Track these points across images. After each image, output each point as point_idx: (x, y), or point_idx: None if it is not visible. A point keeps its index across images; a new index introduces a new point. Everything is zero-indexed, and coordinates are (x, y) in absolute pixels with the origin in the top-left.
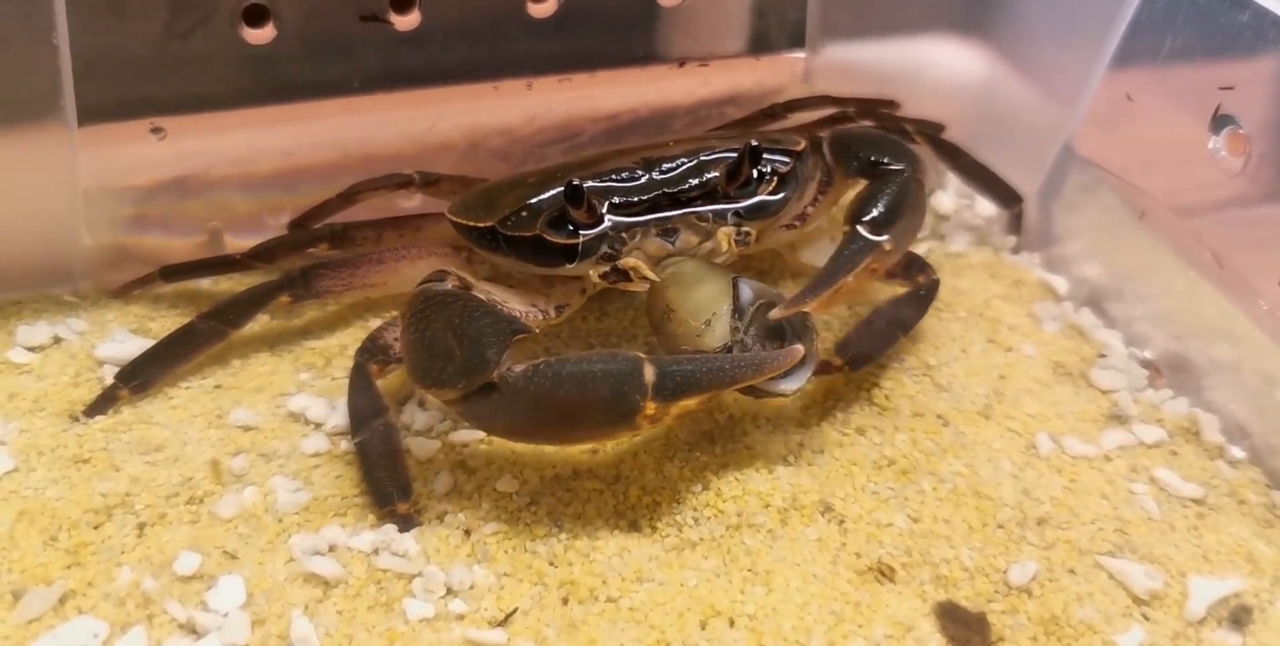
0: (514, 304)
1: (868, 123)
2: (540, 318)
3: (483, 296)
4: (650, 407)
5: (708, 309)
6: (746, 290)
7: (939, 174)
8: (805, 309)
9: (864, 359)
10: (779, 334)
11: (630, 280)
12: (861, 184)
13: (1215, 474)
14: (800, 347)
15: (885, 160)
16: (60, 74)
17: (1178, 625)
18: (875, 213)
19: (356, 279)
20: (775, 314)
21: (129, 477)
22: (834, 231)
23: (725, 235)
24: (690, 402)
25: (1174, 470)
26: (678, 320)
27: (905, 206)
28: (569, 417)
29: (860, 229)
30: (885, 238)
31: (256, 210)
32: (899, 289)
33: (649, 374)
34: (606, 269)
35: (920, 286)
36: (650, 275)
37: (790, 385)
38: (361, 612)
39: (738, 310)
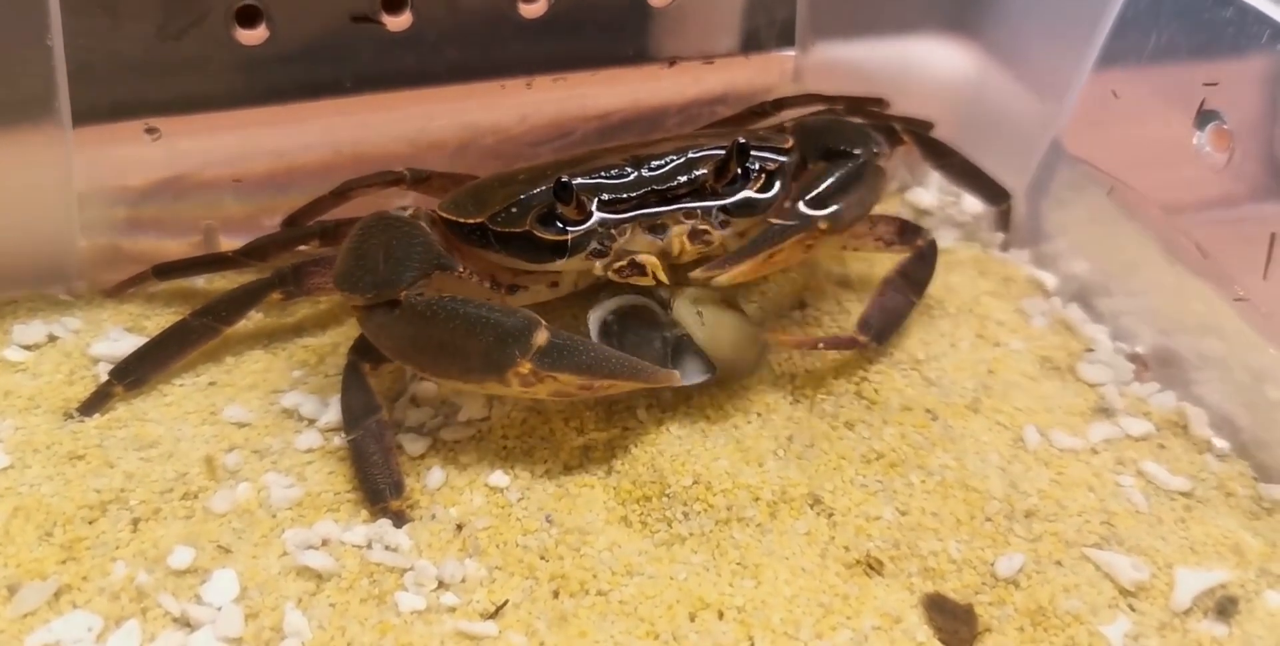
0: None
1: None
2: (487, 286)
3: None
4: (525, 367)
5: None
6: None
7: (922, 172)
8: (723, 278)
9: (887, 332)
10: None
11: (645, 274)
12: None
13: (1203, 467)
14: (676, 373)
15: (843, 147)
16: (55, 75)
17: (1164, 616)
18: (815, 192)
19: None
20: (696, 274)
21: (123, 474)
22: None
23: (678, 235)
24: (566, 379)
25: (1161, 463)
26: (692, 298)
27: (850, 188)
28: (448, 351)
29: (799, 206)
30: (821, 215)
31: (250, 210)
32: (900, 258)
33: (539, 337)
34: (623, 263)
35: (920, 249)
36: (662, 277)
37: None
38: (354, 605)
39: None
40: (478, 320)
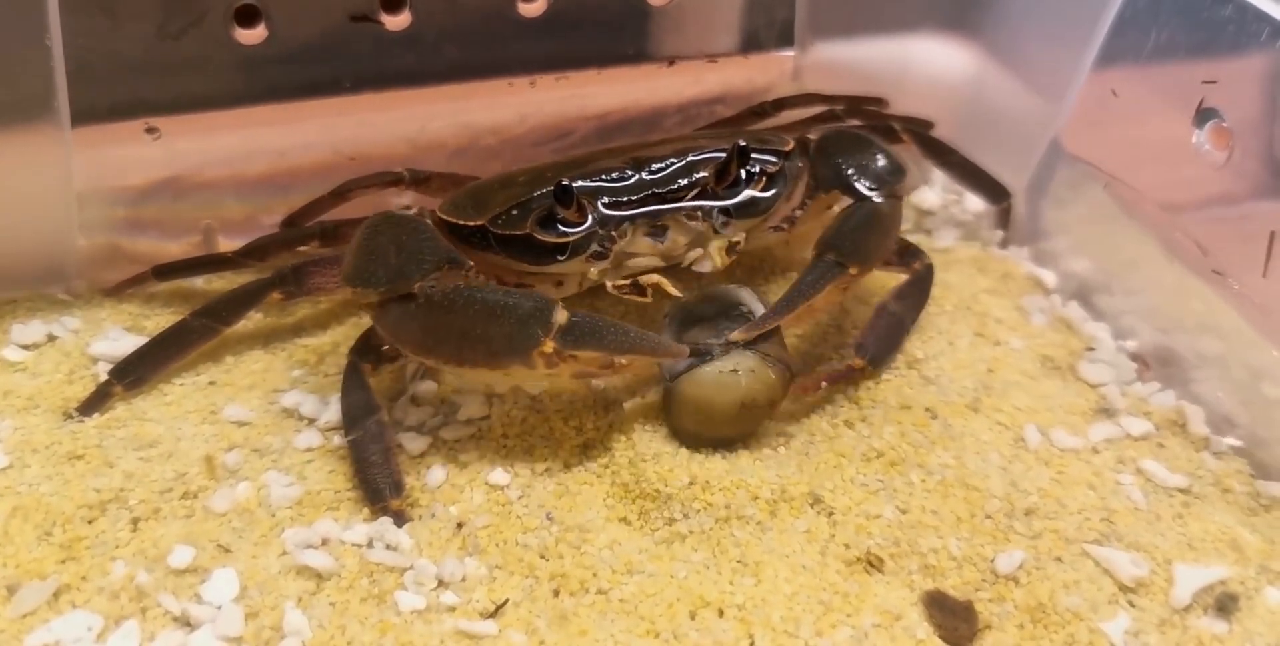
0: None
1: (856, 122)
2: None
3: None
4: (548, 346)
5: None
6: None
7: (925, 171)
8: (762, 331)
9: (883, 357)
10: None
11: (645, 295)
12: (842, 200)
13: (1201, 465)
14: (686, 347)
15: (861, 179)
16: (54, 75)
17: (1163, 612)
18: (844, 242)
19: None
20: (735, 336)
21: (123, 473)
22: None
23: (718, 249)
24: (588, 357)
25: (1160, 461)
26: (753, 362)
27: (874, 234)
28: (471, 339)
29: (828, 256)
30: (851, 266)
31: (249, 210)
32: (896, 277)
33: (559, 316)
34: (625, 283)
35: (916, 273)
36: (673, 291)
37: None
38: (354, 605)
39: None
40: (496, 304)
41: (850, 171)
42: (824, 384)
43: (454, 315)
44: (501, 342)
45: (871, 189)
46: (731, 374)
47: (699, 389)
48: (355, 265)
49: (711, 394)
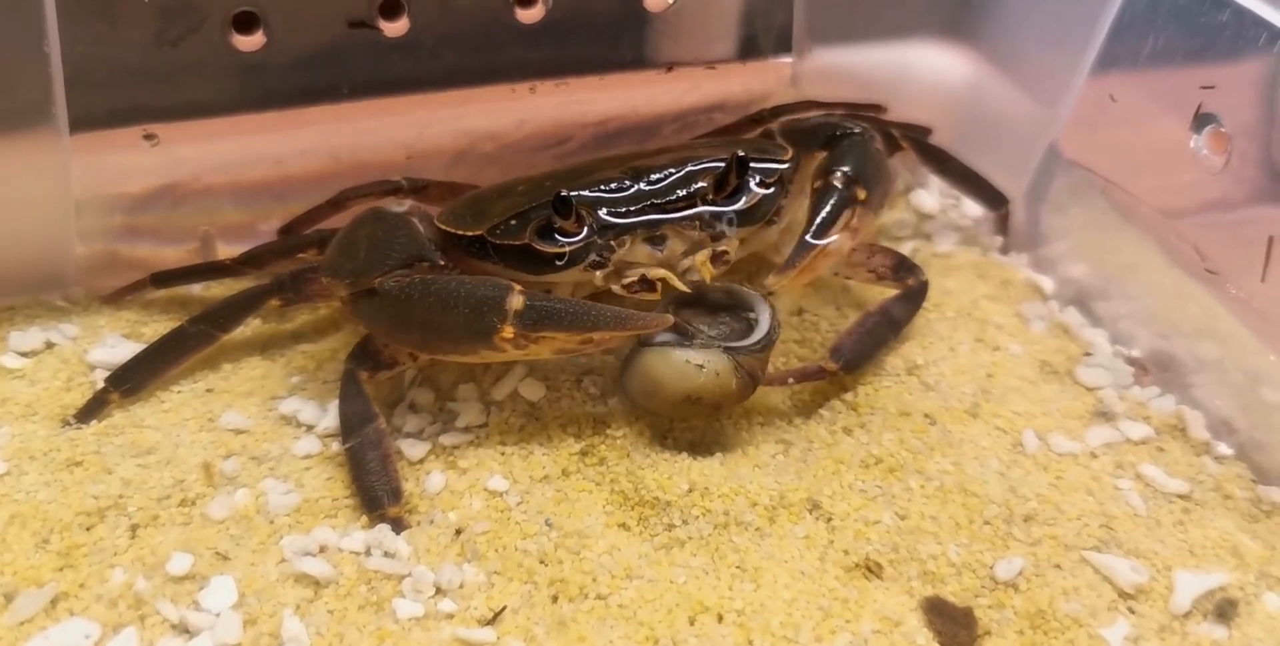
0: None
1: None
2: None
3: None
4: (508, 331)
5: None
6: None
7: (923, 173)
8: (797, 275)
9: (857, 362)
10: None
11: (655, 291)
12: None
13: (1201, 469)
14: (669, 317)
15: (838, 132)
16: (52, 82)
17: (1163, 618)
18: (844, 166)
19: None
20: (771, 281)
21: (121, 480)
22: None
23: (703, 261)
24: (558, 336)
25: (1160, 466)
26: (720, 360)
27: (869, 158)
28: (433, 328)
29: (833, 180)
30: (857, 188)
31: (247, 217)
32: (889, 292)
33: (515, 302)
34: (632, 279)
35: (910, 288)
36: (680, 286)
37: None
38: (352, 612)
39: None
40: (451, 294)
41: (823, 130)
42: (790, 381)
43: (414, 308)
44: (463, 332)
45: (850, 128)
46: (695, 367)
47: (657, 366)
48: (330, 257)
49: (665, 376)
